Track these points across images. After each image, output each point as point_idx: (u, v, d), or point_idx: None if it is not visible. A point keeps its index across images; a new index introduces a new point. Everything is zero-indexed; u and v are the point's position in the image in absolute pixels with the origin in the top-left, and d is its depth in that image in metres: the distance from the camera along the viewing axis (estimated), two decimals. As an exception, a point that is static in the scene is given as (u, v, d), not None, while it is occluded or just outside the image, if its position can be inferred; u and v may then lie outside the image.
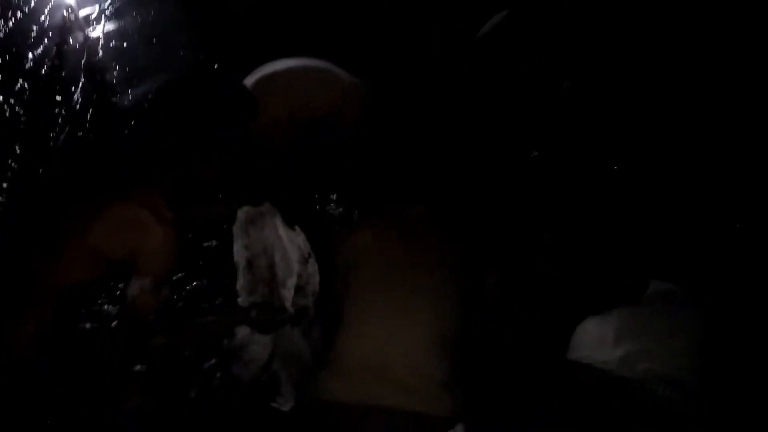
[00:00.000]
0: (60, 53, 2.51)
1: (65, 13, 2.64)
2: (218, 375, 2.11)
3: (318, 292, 2.12)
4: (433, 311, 1.71)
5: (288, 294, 2.08)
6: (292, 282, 2.08)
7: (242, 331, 2.01)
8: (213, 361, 2.11)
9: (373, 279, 1.77)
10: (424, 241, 1.88)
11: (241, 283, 2.02)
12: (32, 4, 2.39)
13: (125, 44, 2.84)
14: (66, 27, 2.62)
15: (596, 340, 2.20)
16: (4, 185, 2.15)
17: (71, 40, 2.63)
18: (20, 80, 2.25)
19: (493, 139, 2.59)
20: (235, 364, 2.05)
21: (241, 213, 2.10)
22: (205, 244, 2.29)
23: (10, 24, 2.25)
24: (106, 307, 1.92)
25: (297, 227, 2.15)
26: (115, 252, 1.63)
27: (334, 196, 2.57)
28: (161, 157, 1.76)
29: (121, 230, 1.63)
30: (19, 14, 2.31)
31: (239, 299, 2.03)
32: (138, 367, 1.88)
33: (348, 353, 1.68)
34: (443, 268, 1.82)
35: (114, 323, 1.81)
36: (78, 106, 2.43)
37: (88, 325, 1.79)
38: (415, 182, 2.26)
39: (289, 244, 2.10)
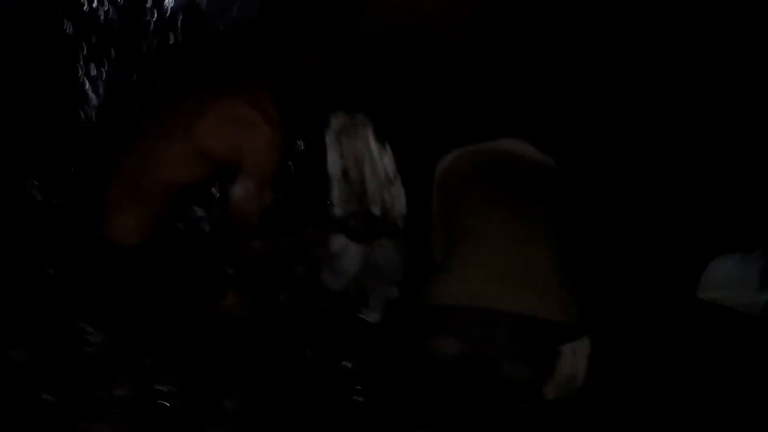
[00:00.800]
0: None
1: None
2: (308, 283, 2.10)
3: (405, 215, 2.04)
4: (549, 231, 1.68)
5: (377, 212, 2.02)
6: (379, 199, 2.02)
7: (337, 241, 1.98)
8: (304, 269, 2.10)
9: (484, 200, 1.73)
10: (524, 172, 1.82)
11: (336, 193, 1.95)
12: None
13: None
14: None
15: (735, 281, 2.07)
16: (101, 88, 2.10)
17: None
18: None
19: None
20: (326, 273, 2.03)
21: (335, 120, 1.99)
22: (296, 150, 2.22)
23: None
24: (209, 208, 1.92)
25: (387, 144, 2.04)
26: (222, 150, 1.57)
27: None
28: (268, 48, 1.67)
29: (229, 128, 1.55)
30: None
31: (334, 209, 1.98)
32: (233, 271, 1.90)
33: (468, 261, 1.64)
34: (548, 200, 1.78)
35: (217, 224, 1.82)
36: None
37: (191, 225, 1.80)
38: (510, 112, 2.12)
39: (379, 160, 2.01)
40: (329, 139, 1.98)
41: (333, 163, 1.97)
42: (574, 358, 1.63)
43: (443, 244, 1.87)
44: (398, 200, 2.04)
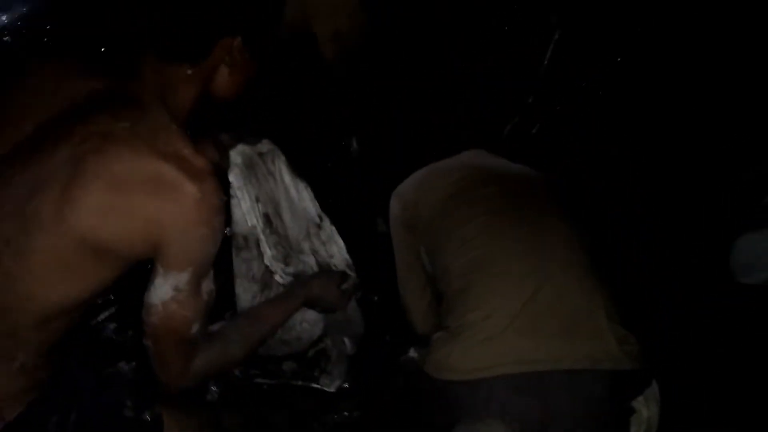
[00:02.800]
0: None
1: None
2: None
3: (349, 260, 1.58)
4: (575, 239, 1.34)
5: (312, 265, 1.54)
6: (309, 249, 1.55)
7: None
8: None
9: (479, 222, 1.35)
10: (516, 181, 1.53)
11: (269, 252, 1.42)
12: None
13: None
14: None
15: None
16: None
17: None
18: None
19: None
20: (276, 345, 1.58)
21: (236, 154, 1.45)
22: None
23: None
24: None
25: (302, 178, 1.57)
26: (124, 236, 0.93)
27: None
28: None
29: (129, 197, 0.91)
30: None
31: (275, 276, 1.45)
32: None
33: (481, 311, 1.25)
34: (550, 194, 1.49)
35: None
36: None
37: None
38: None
39: (297, 200, 1.54)
40: (236, 181, 1.43)
41: (249, 211, 1.43)
42: (647, 411, 1.26)
43: (426, 300, 1.49)
44: (335, 245, 1.57)
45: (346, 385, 1.72)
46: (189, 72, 1.01)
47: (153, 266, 0.97)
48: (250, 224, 1.41)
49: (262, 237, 1.40)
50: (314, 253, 1.53)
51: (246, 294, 1.47)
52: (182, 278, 0.96)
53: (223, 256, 1.15)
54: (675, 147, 2.18)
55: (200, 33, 0.99)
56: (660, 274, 1.94)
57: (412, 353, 1.55)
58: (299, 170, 1.54)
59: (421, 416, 1.38)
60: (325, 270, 1.50)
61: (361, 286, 1.55)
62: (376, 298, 1.76)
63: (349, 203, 1.71)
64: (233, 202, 1.42)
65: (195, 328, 1.00)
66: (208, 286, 1.01)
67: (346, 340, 1.69)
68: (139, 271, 1.01)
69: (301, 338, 1.60)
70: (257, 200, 1.43)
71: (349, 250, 1.55)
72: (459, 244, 1.36)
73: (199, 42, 1.00)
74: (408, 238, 1.52)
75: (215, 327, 1.10)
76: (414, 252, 1.52)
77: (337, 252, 1.54)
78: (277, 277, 1.42)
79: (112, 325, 1.66)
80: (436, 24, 2.23)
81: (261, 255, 1.42)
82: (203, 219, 0.94)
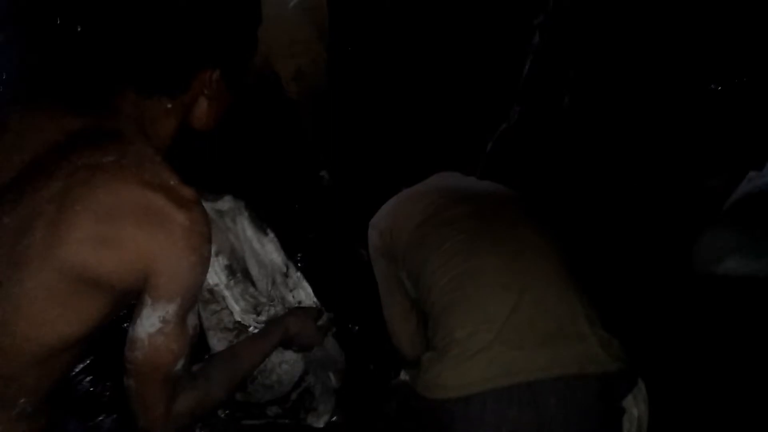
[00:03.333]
0: None
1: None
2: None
3: (318, 303, 1.60)
4: (551, 250, 1.37)
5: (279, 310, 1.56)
6: (279, 299, 1.58)
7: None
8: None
9: (458, 239, 1.37)
10: (488, 195, 1.56)
11: (237, 307, 1.41)
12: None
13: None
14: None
15: (729, 251, 1.84)
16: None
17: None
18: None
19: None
20: (257, 391, 1.55)
21: None
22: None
23: None
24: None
25: (268, 228, 1.60)
26: (114, 268, 0.92)
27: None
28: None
29: (118, 228, 0.90)
30: None
31: (249, 329, 1.45)
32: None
33: (467, 326, 1.26)
34: (522, 207, 1.52)
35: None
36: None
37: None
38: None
39: (262, 252, 1.56)
40: None
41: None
42: (637, 410, 1.28)
43: (412, 324, 1.51)
44: (302, 290, 1.60)
45: (335, 419, 1.70)
46: (169, 105, 1.01)
47: (139, 299, 0.95)
48: (212, 282, 1.42)
49: (226, 293, 1.42)
50: (282, 301, 1.54)
51: (221, 344, 1.48)
52: (170, 309, 0.94)
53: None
54: (643, 156, 2.23)
55: (179, 67, 0.99)
56: (630, 276, 1.98)
57: (404, 376, 1.56)
58: (266, 220, 1.57)
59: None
60: (300, 307, 1.51)
61: (336, 322, 1.56)
62: (356, 327, 1.75)
63: (323, 239, 1.70)
64: None
65: (180, 364, 0.97)
66: (192, 320, 1.00)
67: (330, 374, 1.68)
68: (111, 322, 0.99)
69: (281, 381, 1.58)
70: (216, 254, 1.44)
71: (323, 289, 1.57)
72: (439, 264, 1.37)
73: (178, 76, 1.00)
74: (388, 267, 1.54)
75: (195, 368, 1.07)
76: (395, 278, 1.53)
77: (305, 297, 1.57)
78: (251, 330, 1.43)
79: (87, 378, 1.61)
80: (401, 51, 2.28)
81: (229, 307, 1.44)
82: (192, 247, 0.94)
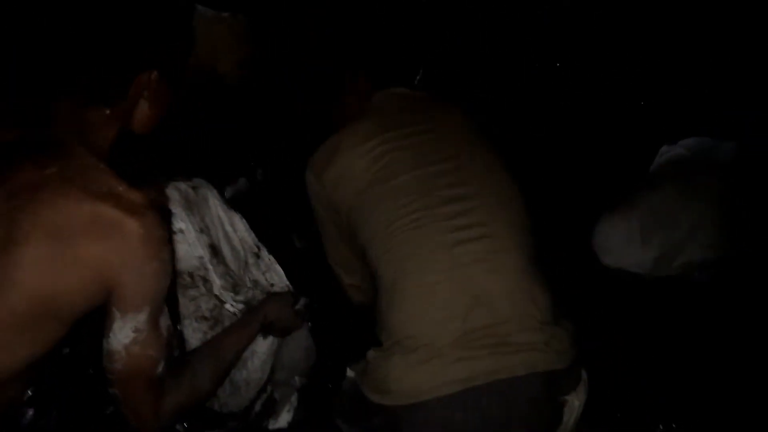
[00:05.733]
0: None
1: None
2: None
3: (290, 286, 1.57)
4: (510, 230, 1.30)
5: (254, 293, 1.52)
6: (250, 281, 1.54)
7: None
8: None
9: (406, 222, 1.27)
10: (428, 121, 1.44)
11: (218, 282, 1.37)
12: None
13: None
14: None
15: (622, 242, 1.95)
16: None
17: None
18: None
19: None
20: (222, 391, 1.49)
21: (172, 190, 1.41)
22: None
23: None
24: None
25: (237, 212, 1.56)
26: (72, 283, 0.90)
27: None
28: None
29: (71, 241, 0.88)
30: None
31: (226, 305, 1.40)
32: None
33: (415, 337, 1.22)
34: (480, 155, 1.40)
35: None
36: None
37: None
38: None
39: (233, 232, 1.52)
40: (178, 213, 1.39)
41: (195, 243, 1.39)
42: (578, 400, 1.32)
43: (356, 273, 1.51)
44: (275, 273, 1.56)
45: (298, 417, 1.68)
46: (108, 112, 0.98)
47: (108, 312, 0.94)
48: (197, 254, 1.37)
49: (209, 266, 1.37)
50: (255, 284, 1.50)
51: (195, 334, 1.41)
52: (140, 318, 0.94)
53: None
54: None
55: (115, 74, 0.96)
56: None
57: (350, 373, 1.44)
58: (231, 203, 1.52)
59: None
60: (276, 293, 1.49)
61: (313, 307, 1.54)
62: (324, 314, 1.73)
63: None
64: (176, 238, 1.36)
65: (161, 366, 0.99)
66: (165, 321, 1.01)
67: (296, 378, 1.65)
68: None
69: (249, 382, 1.52)
70: (201, 231, 1.41)
71: (289, 276, 1.54)
72: (384, 249, 1.30)
73: (115, 83, 0.97)
74: (330, 216, 1.48)
75: (181, 362, 1.10)
76: (336, 227, 1.48)
77: (278, 280, 1.53)
78: (228, 306, 1.39)
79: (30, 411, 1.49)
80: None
81: (209, 291, 1.38)
82: (151, 254, 0.93)
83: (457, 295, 1.23)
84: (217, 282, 1.36)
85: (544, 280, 1.29)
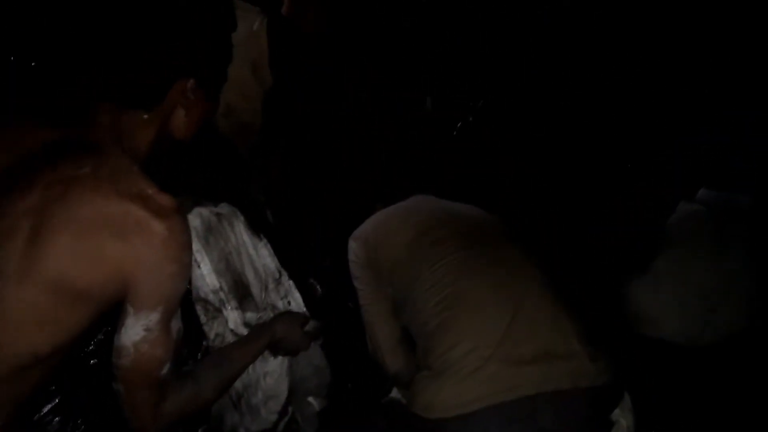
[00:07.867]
0: None
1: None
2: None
3: (307, 312, 1.60)
4: (535, 269, 1.42)
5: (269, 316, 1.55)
6: (269, 305, 1.59)
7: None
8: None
9: (447, 260, 1.40)
10: (469, 217, 1.61)
11: (233, 316, 1.42)
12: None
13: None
14: None
15: (661, 313, 1.85)
16: None
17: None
18: None
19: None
20: (244, 416, 1.49)
21: (194, 217, 1.46)
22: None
23: None
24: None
25: (262, 235, 1.61)
26: (94, 278, 0.91)
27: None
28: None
29: (95, 238, 0.90)
30: None
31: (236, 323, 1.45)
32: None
33: (460, 343, 1.28)
34: (502, 229, 1.58)
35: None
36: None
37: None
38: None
39: (256, 257, 1.57)
40: (195, 244, 1.44)
41: (210, 273, 1.43)
42: (626, 421, 1.35)
43: (396, 338, 1.52)
44: (293, 299, 1.60)
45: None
46: (145, 116, 1.01)
47: (122, 308, 0.95)
48: (211, 286, 1.40)
49: (225, 298, 1.42)
50: (272, 308, 1.53)
51: None
52: (153, 317, 0.95)
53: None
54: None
55: (154, 79, 0.98)
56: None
57: (395, 394, 1.54)
58: (258, 227, 1.57)
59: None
60: (288, 311, 1.51)
61: (323, 331, 1.55)
62: (343, 340, 1.73)
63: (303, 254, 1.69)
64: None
65: (166, 368, 0.99)
66: (176, 324, 1.00)
67: (311, 399, 1.65)
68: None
69: (268, 401, 1.52)
70: (219, 260, 1.45)
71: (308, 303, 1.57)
72: (431, 283, 1.39)
73: (153, 88, 1.00)
74: (373, 279, 1.54)
75: (185, 368, 1.10)
76: (381, 292, 1.54)
77: (295, 306, 1.57)
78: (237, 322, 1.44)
79: (56, 419, 1.52)
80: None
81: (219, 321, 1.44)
82: (172, 256, 0.94)
83: (505, 313, 1.30)
84: (231, 317, 1.42)
85: (575, 311, 1.37)
